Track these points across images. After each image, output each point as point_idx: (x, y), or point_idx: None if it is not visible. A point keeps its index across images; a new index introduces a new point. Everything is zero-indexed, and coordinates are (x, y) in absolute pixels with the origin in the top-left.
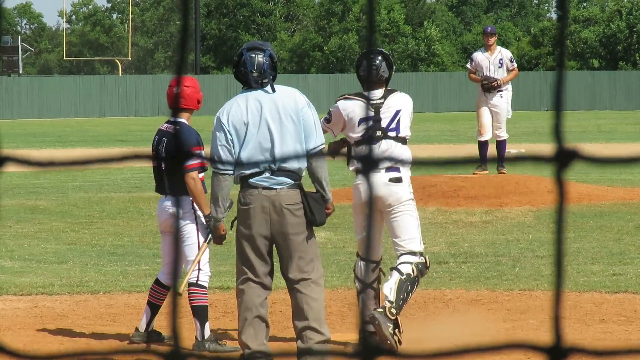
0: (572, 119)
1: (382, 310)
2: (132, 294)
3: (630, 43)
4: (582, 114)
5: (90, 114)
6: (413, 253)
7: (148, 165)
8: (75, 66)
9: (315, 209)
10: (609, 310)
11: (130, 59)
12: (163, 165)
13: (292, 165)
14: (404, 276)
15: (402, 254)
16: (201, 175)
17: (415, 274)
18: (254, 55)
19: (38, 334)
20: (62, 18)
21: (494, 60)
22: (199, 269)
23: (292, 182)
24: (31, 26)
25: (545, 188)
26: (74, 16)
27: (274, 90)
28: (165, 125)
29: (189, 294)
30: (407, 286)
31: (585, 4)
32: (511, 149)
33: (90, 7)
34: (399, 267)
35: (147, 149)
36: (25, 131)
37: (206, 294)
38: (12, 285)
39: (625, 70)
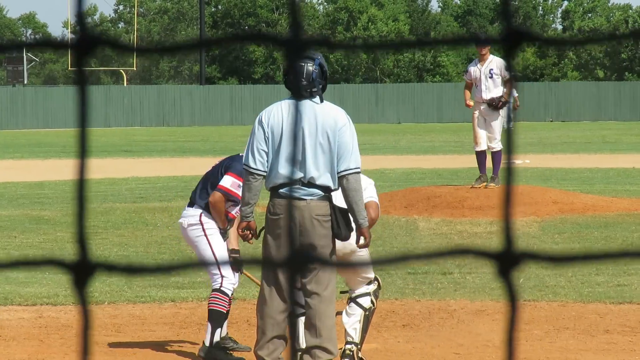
0: (578, 129)
1: (349, 353)
2: (136, 305)
3: (636, 52)
4: (587, 124)
5: (95, 124)
6: (370, 281)
7: (152, 174)
8: None
9: (342, 223)
10: (613, 321)
11: (135, 69)
12: (207, 172)
13: (323, 181)
14: (367, 312)
15: None
16: (234, 211)
17: (375, 305)
18: (303, 64)
19: (43, 344)
20: (67, 28)
21: (485, 71)
22: (222, 276)
23: (322, 193)
24: (36, 36)
25: (550, 199)
26: (78, 27)
27: (321, 101)
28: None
29: (210, 297)
30: (369, 320)
31: (590, 15)
32: (516, 160)
33: (96, 17)
34: (359, 300)
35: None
36: (29, 141)
37: (226, 301)
38: (17, 295)
39: (630, 81)
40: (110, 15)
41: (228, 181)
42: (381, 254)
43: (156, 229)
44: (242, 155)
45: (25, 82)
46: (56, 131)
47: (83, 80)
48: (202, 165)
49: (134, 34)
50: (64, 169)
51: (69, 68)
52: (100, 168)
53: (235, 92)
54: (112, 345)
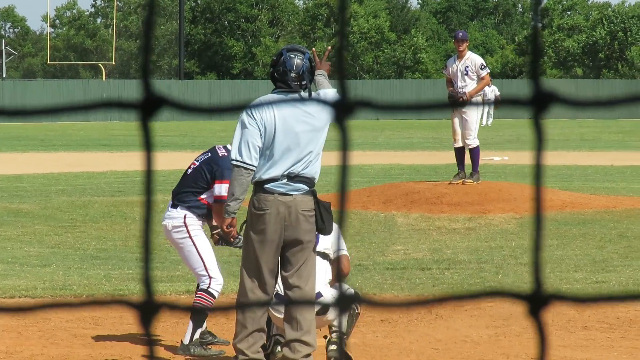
0: (555, 127)
1: (335, 340)
2: (114, 298)
3: (613, 51)
4: (565, 122)
5: (74, 119)
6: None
7: (130, 168)
8: (59, 70)
9: (326, 218)
10: (591, 317)
11: (114, 63)
12: (188, 172)
13: (310, 172)
14: (351, 310)
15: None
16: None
17: (358, 310)
18: (293, 56)
19: (21, 336)
20: (46, 22)
21: (461, 67)
22: (210, 277)
23: (307, 188)
24: (14, 30)
25: (529, 196)
26: (57, 20)
27: (310, 95)
28: (223, 150)
29: (195, 296)
30: (353, 319)
31: (569, 12)
32: (494, 157)
33: (74, 11)
34: None
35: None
36: (8, 135)
37: (212, 302)
38: None
39: (608, 79)
40: (88, 10)
41: (224, 189)
42: (361, 250)
43: (135, 223)
44: (217, 148)
45: (4, 75)
46: (35, 125)
47: (149, 146)
48: (181, 160)
49: (112, 28)
50: (42, 163)
51: (48, 62)
52: (78, 162)
53: (214, 87)
54: (92, 338)
